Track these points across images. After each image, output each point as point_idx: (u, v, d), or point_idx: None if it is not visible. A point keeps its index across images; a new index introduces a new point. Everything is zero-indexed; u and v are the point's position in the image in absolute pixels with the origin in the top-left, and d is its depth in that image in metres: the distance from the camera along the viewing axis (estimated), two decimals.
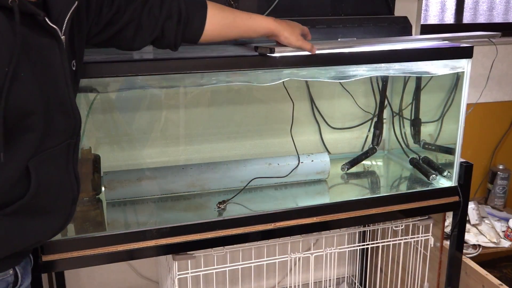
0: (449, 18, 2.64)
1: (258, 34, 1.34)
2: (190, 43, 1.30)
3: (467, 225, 2.16)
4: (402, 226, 1.82)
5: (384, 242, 1.86)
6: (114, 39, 1.21)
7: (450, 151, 1.80)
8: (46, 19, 0.94)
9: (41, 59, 0.94)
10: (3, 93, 0.86)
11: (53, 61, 0.97)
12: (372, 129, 2.02)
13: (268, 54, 1.39)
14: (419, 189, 1.76)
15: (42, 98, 0.94)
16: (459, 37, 1.75)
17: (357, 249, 2.24)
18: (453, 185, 1.75)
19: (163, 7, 1.21)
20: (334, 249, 1.76)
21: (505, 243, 2.18)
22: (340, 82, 1.93)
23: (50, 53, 0.96)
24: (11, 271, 1.02)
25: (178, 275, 1.54)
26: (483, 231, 2.20)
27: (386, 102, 2.00)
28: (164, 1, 1.22)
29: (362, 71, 1.65)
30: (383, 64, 1.64)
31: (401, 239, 1.86)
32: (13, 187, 0.94)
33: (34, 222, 0.99)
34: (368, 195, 1.77)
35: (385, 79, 1.97)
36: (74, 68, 1.05)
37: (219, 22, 1.27)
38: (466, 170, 1.72)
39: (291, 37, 1.35)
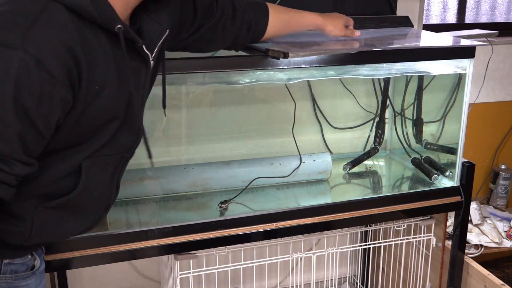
0: (451, 18, 2.64)
1: (306, 29, 1.48)
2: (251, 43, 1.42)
3: (469, 225, 2.16)
4: (404, 226, 1.82)
5: (386, 242, 1.85)
6: (185, 48, 1.30)
7: (452, 151, 1.79)
8: (144, 46, 0.99)
9: (127, 80, 0.98)
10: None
11: (137, 83, 1.01)
12: (374, 129, 2.02)
13: (281, 59, 1.39)
14: (421, 189, 1.75)
15: (115, 113, 0.98)
16: (456, 37, 1.75)
17: (359, 249, 2.23)
18: (455, 185, 1.75)
19: (235, 21, 1.31)
20: (336, 249, 1.76)
21: (507, 243, 2.18)
22: (342, 82, 1.93)
23: (136, 75, 1.01)
24: (30, 256, 1.07)
25: (180, 275, 1.54)
26: (485, 231, 2.20)
27: (388, 102, 2.00)
28: (236, 13, 1.31)
29: (365, 71, 1.65)
30: (385, 64, 1.64)
31: (403, 239, 1.85)
32: (61, 181, 0.98)
33: (69, 219, 1.04)
34: (370, 195, 1.76)
35: (387, 79, 1.97)
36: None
37: (278, 24, 1.40)
38: (468, 170, 1.72)
39: (335, 30, 1.48)
